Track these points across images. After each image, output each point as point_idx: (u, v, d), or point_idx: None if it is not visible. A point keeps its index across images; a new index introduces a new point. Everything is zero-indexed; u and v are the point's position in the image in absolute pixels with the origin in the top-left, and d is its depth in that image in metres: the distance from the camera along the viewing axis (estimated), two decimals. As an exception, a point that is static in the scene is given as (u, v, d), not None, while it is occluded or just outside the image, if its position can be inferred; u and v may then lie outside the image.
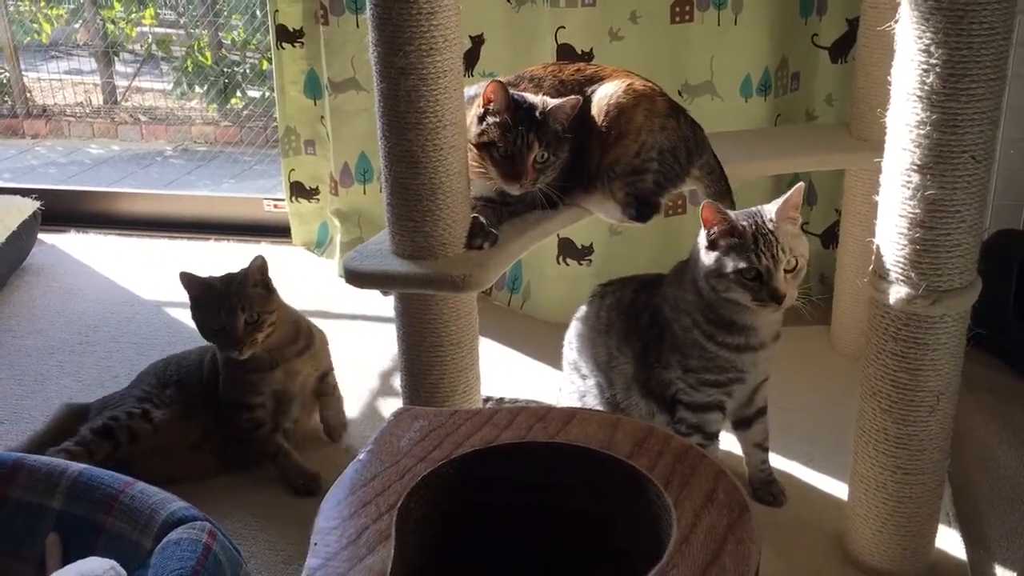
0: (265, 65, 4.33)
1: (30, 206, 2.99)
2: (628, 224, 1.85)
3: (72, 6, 4.75)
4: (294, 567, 1.74)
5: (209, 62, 4.46)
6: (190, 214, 3.34)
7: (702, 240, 1.67)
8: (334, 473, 1.21)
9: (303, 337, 2.02)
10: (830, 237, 2.60)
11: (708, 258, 1.65)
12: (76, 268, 3.01)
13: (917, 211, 1.43)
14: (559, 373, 2.01)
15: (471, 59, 2.49)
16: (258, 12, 4.36)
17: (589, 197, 1.85)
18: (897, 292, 1.48)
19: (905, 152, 1.42)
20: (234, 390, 1.95)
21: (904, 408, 1.54)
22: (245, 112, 4.49)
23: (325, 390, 2.10)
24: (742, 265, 1.59)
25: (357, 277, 1.68)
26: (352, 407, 2.24)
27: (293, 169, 2.99)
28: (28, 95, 4.73)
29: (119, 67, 4.85)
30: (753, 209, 1.65)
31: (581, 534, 1.23)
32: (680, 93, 2.42)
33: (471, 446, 1.21)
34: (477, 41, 2.50)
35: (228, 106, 4.54)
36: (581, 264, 2.54)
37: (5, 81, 4.73)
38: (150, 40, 4.72)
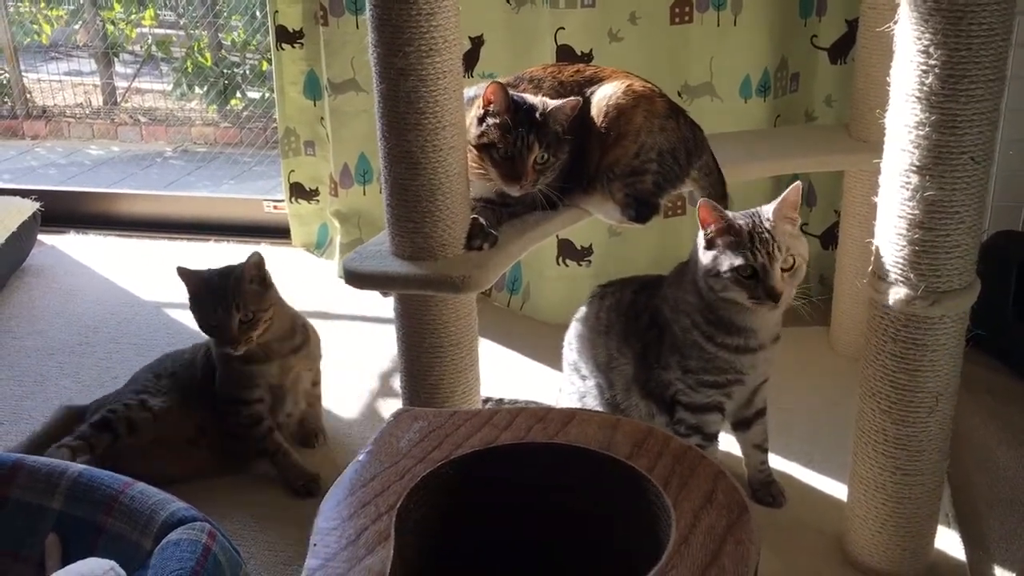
0: (265, 66, 4.33)
1: (30, 207, 2.99)
2: (627, 225, 1.86)
3: (72, 7, 4.75)
4: (294, 568, 1.74)
5: (209, 63, 4.46)
6: (190, 215, 3.34)
7: (700, 240, 1.67)
8: (334, 473, 1.21)
9: (299, 334, 2.03)
10: (829, 238, 2.60)
11: (706, 257, 1.65)
12: (76, 269, 3.01)
13: (916, 212, 1.43)
14: (559, 374, 2.01)
15: (471, 60, 2.49)
16: (258, 13, 4.36)
17: (588, 198, 1.85)
18: (896, 293, 1.48)
19: (904, 153, 1.42)
20: (231, 385, 1.96)
21: (903, 409, 1.54)
22: (245, 113, 4.49)
23: (310, 399, 2.11)
24: (738, 262, 1.60)
25: (357, 278, 1.68)
26: (352, 408, 2.24)
27: (293, 170, 2.99)
28: (28, 96, 4.73)
29: (119, 68, 4.85)
30: (751, 210, 1.65)
31: (580, 535, 1.23)
32: (679, 94, 2.42)
33: (471, 447, 1.21)
34: (477, 42, 2.50)
35: (228, 107, 4.54)
36: (580, 265, 2.54)
37: (5, 82, 4.73)
38: (150, 41, 4.72)
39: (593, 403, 1.86)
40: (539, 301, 2.61)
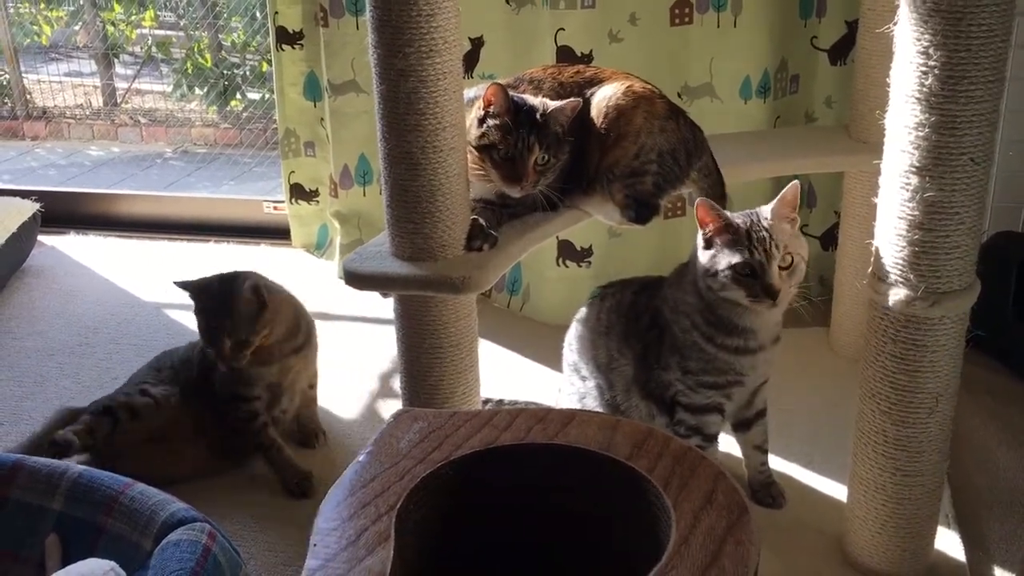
0: (265, 67, 4.34)
1: (30, 208, 2.99)
2: (627, 226, 1.86)
3: (72, 8, 4.75)
4: (293, 568, 1.74)
5: (209, 64, 4.46)
6: (190, 216, 3.34)
7: (699, 240, 1.67)
8: (334, 474, 1.21)
9: (302, 333, 2.03)
10: (829, 239, 2.60)
11: (704, 257, 1.66)
12: (76, 270, 3.01)
13: (916, 213, 1.43)
14: (558, 375, 2.01)
15: (471, 61, 2.49)
16: (258, 14, 4.36)
17: (588, 199, 1.85)
18: (896, 294, 1.48)
19: (904, 154, 1.42)
20: (231, 383, 1.96)
21: (903, 410, 1.54)
22: (245, 114, 4.49)
23: (306, 400, 2.11)
24: (735, 260, 1.60)
25: (357, 279, 1.69)
26: (352, 408, 2.24)
27: (293, 171, 2.99)
28: (28, 97, 4.74)
29: (119, 69, 4.85)
30: (750, 210, 1.65)
31: (580, 536, 1.23)
32: (679, 95, 2.42)
33: (470, 448, 1.21)
34: (477, 43, 2.50)
35: (228, 108, 4.55)
36: (580, 266, 2.55)
37: (5, 83, 4.73)
38: (150, 42, 4.72)
39: (593, 404, 1.86)
40: (539, 302, 2.61)
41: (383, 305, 2.56)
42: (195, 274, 1.96)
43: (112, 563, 1.39)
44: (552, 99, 1.77)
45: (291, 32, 2.81)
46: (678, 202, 2.52)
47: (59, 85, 4.72)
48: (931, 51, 1.35)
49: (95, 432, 1.87)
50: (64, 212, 3.29)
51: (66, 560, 1.47)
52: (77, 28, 4.79)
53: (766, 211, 1.63)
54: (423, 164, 1.60)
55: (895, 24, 1.41)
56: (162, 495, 1.49)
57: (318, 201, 3.01)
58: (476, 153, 1.72)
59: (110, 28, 4.65)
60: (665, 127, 1.81)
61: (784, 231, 1.61)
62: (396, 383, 2.15)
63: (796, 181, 1.63)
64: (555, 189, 1.79)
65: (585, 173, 1.83)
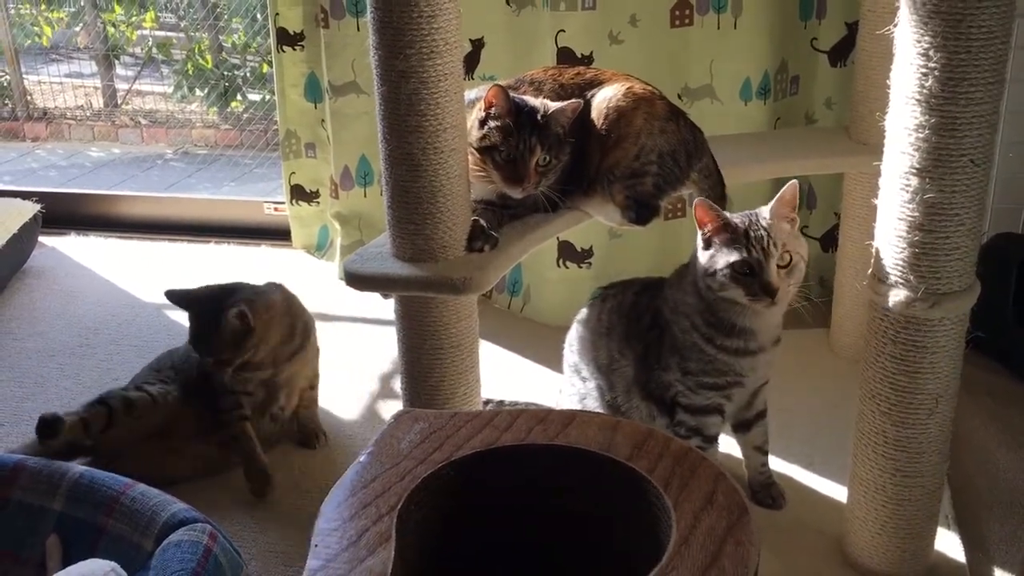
0: (265, 68, 4.34)
1: (30, 209, 2.99)
2: (628, 227, 1.86)
3: (73, 9, 4.76)
4: (294, 568, 1.74)
5: (209, 65, 4.46)
6: (190, 217, 3.35)
7: (698, 241, 1.67)
8: (334, 474, 1.21)
9: (298, 336, 2.02)
10: (829, 240, 2.60)
11: (703, 257, 1.66)
12: (76, 271, 3.01)
13: (916, 214, 1.43)
14: (559, 376, 2.01)
15: (471, 62, 2.49)
16: (259, 15, 4.37)
17: (589, 200, 1.85)
18: (896, 295, 1.48)
19: (904, 156, 1.43)
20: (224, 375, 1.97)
21: (903, 411, 1.54)
22: (245, 115, 4.50)
23: (307, 401, 2.11)
24: (733, 258, 1.60)
25: (358, 280, 1.69)
26: (352, 409, 2.24)
27: (293, 172, 2.99)
28: (29, 98, 4.74)
29: (119, 70, 4.85)
30: (749, 211, 1.66)
31: (581, 536, 1.23)
32: (680, 96, 2.42)
33: (471, 448, 1.21)
34: (477, 44, 2.50)
35: (228, 109, 4.55)
36: (581, 267, 2.55)
37: (6, 84, 4.74)
38: (150, 43, 4.73)
39: (594, 405, 1.86)
40: (539, 303, 2.62)
41: (384, 306, 2.56)
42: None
43: (113, 564, 1.39)
44: (553, 100, 1.77)
45: (292, 33, 2.81)
46: (678, 203, 2.52)
47: (60, 86, 4.72)
48: (931, 53, 1.35)
49: (90, 424, 1.86)
50: (65, 213, 3.29)
51: (67, 561, 1.48)
52: (78, 29, 4.80)
53: (765, 211, 1.63)
54: (424, 165, 1.60)
55: (895, 26, 1.41)
56: (163, 496, 1.49)
57: (319, 202, 3.01)
58: (477, 154, 1.73)
59: (111, 29, 4.65)
60: (665, 128, 1.81)
61: (783, 230, 1.62)
62: (397, 384, 2.15)
63: (794, 180, 1.63)
64: (556, 190, 1.79)
65: (586, 174, 1.83)
